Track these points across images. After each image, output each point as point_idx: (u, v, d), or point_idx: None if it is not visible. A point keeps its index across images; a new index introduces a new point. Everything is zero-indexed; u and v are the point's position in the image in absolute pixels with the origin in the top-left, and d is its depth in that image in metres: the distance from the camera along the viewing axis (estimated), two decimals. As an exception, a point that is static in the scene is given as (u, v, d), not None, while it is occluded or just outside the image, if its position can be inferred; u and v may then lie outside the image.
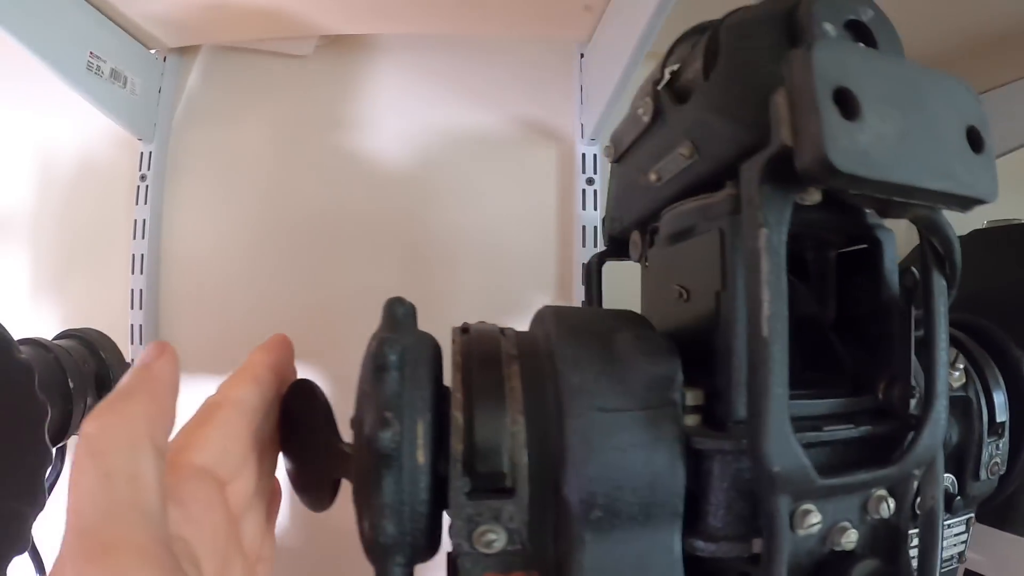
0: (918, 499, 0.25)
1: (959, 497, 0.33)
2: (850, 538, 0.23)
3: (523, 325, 0.27)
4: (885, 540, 0.24)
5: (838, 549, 0.23)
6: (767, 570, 0.21)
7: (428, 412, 0.22)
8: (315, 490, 0.25)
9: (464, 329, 0.25)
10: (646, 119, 0.27)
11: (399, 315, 0.23)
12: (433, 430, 0.22)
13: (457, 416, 0.22)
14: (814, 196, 0.22)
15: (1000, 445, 0.34)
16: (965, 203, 0.21)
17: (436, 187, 0.89)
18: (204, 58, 0.92)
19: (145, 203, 0.88)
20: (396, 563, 0.22)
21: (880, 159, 0.19)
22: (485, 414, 0.21)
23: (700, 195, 0.25)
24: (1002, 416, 0.34)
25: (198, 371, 0.95)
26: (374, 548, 0.22)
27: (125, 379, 0.21)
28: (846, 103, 0.18)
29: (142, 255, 0.88)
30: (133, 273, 0.89)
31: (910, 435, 0.24)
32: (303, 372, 0.89)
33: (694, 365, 0.23)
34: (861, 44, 0.23)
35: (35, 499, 0.43)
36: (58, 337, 0.64)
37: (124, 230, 0.90)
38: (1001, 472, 0.34)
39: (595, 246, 0.83)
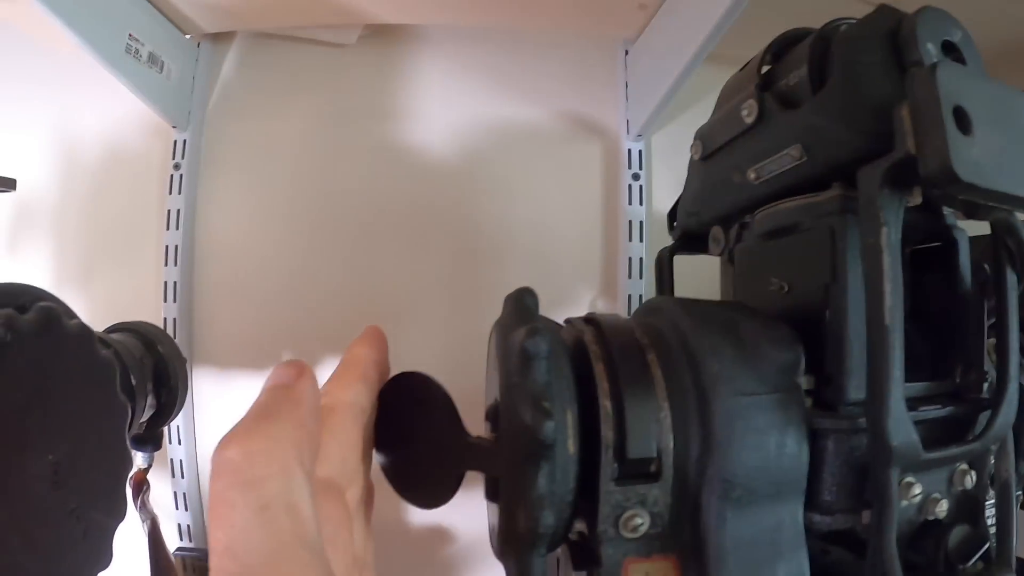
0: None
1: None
2: (942, 508, 0.25)
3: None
4: (967, 509, 0.26)
5: (931, 518, 0.25)
6: (878, 537, 0.23)
7: (574, 401, 0.23)
8: (435, 486, 0.25)
9: (588, 319, 0.27)
10: (749, 120, 0.29)
11: (532, 305, 0.25)
12: (580, 419, 0.23)
13: (606, 404, 0.23)
14: (917, 199, 0.24)
15: (1047, 427, 0.37)
16: (1045, 210, 0.24)
17: (479, 180, 0.89)
18: (239, 45, 0.91)
19: (179, 193, 0.87)
20: (539, 553, 0.22)
21: (988, 170, 0.21)
22: (635, 401, 0.23)
23: (803, 195, 0.27)
24: (1050, 401, 0.37)
25: (234, 366, 0.96)
26: (527, 539, 0.22)
27: (263, 400, 0.19)
28: (962, 120, 0.21)
29: (176, 246, 0.87)
30: (167, 265, 0.87)
31: (984, 415, 0.26)
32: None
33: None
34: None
35: (117, 508, 0.41)
36: (110, 330, 0.61)
37: (157, 220, 0.88)
38: (1047, 452, 0.37)
39: (641, 241, 0.84)
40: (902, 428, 0.22)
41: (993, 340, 0.27)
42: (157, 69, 0.80)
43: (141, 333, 0.60)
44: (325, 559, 0.17)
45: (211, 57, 0.91)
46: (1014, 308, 0.26)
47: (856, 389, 0.24)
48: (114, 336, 0.58)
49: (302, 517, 0.17)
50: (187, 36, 0.86)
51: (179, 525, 0.95)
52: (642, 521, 0.23)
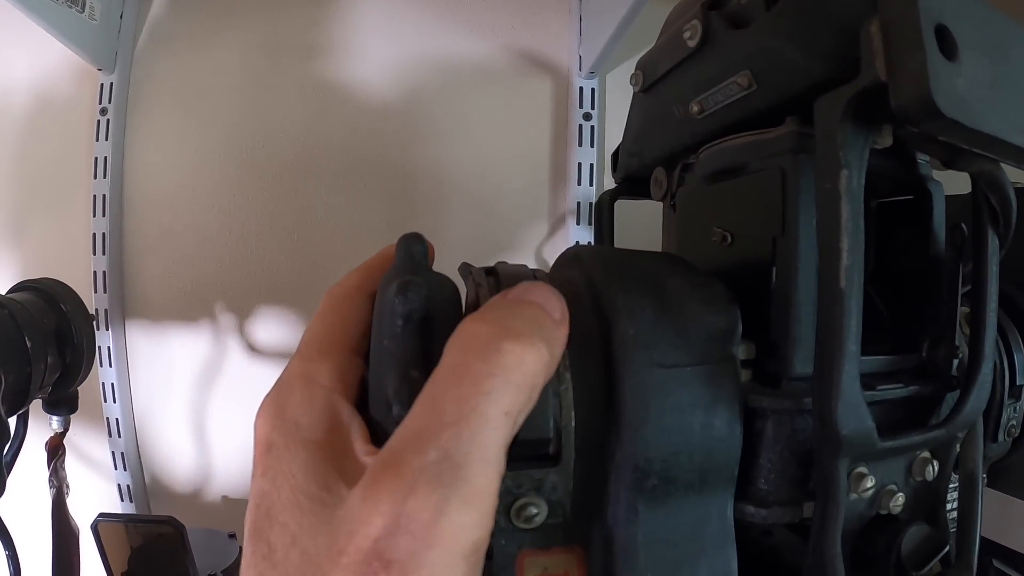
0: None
1: (980, 458, 0.33)
2: (898, 502, 0.22)
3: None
4: (926, 502, 0.23)
5: (884, 512, 0.22)
6: (820, 537, 0.19)
7: None
8: None
9: (489, 271, 0.22)
10: (692, 44, 0.24)
11: (418, 255, 0.20)
12: None
13: None
14: (886, 140, 0.20)
15: (1017, 408, 0.34)
16: (1037, 162, 0.20)
17: (423, 120, 0.86)
18: None
19: (106, 139, 0.83)
20: None
21: (975, 108, 0.17)
22: None
23: (752, 131, 0.23)
24: (1022, 379, 0.34)
25: (168, 319, 0.93)
26: None
27: (544, 324, 0.18)
28: (945, 42, 0.17)
29: (104, 195, 0.84)
30: (95, 215, 0.84)
31: (951, 396, 0.23)
32: (281, 317, 0.87)
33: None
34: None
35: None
36: (13, 290, 0.59)
37: (84, 169, 0.85)
38: (1016, 435, 0.34)
39: (591, 185, 0.82)
40: (854, 413, 0.18)
41: (967, 309, 0.23)
42: (78, 8, 0.75)
43: (44, 291, 0.58)
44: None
45: (141, -8, 0.86)
46: (994, 275, 0.23)
47: (803, 362, 0.20)
48: (15, 295, 0.56)
49: (513, 431, 0.17)
50: (112, -30, 0.81)
51: (119, 486, 0.93)
52: (537, 511, 0.19)
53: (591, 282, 0.21)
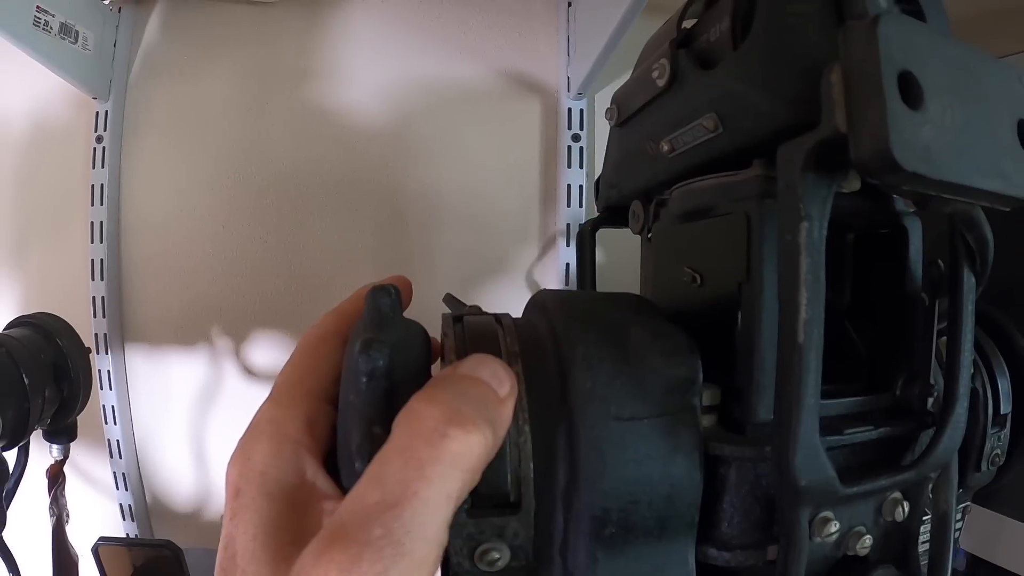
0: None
1: (960, 490, 0.32)
2: (865, 544, 0.22)
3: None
4: (896, 543, 0.23)
5: (851, 554, 0.22)
6: (784, 583, 0.19)
7: None
8: None
9: (457, 318, 0.22)
10: (661, 83, 0.24)
11: (385, 307, 0.20)
12: None
13: None
14: (853, 184, 0.19)
15: (1002, 436, 0.33)
16: (1012, 203, 0.20)
17: (412, 143, 0.86)
18: (162, 7, 0.87)
19: (102, 166, 0.84)
20: None
21: (941, 157, 0.17)
22: None
23: (720, 173, 0.23)
24: (1006, 407, 0.33)
25: (166, 342, 0.94)
26: None
27: (484, 399, 0.18)
28: (909, 90, 0.17)
29: (101, 222, 0.85)
30: (92, 242, 0.85)
31: (925, 435, 0.23)
32: (276, 338, 0.87)
33: (705, 358, 0.21)
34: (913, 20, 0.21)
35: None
36: (9, 326, 0.61)
37: (81, 196, 0.86)
38: (1000, 463, 0.34)
39: (580, 206, 0.82)
40: (813, 463, 0.18)
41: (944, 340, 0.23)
42: (71, 40, 0.76)
43: (40, 326, 0.59)
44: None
45: (133, 21, 0.87)
46: (970, 315, 0.22)
47: (767, 409, 0.20)
48: (11, 332, 0.58)
49: (456, 506, 0.17)
50: (105, 1, 0.82)
51: (121, 506, 0.93)
52: (499, 556, 0.19)
53: (553, 331, 0.21)
